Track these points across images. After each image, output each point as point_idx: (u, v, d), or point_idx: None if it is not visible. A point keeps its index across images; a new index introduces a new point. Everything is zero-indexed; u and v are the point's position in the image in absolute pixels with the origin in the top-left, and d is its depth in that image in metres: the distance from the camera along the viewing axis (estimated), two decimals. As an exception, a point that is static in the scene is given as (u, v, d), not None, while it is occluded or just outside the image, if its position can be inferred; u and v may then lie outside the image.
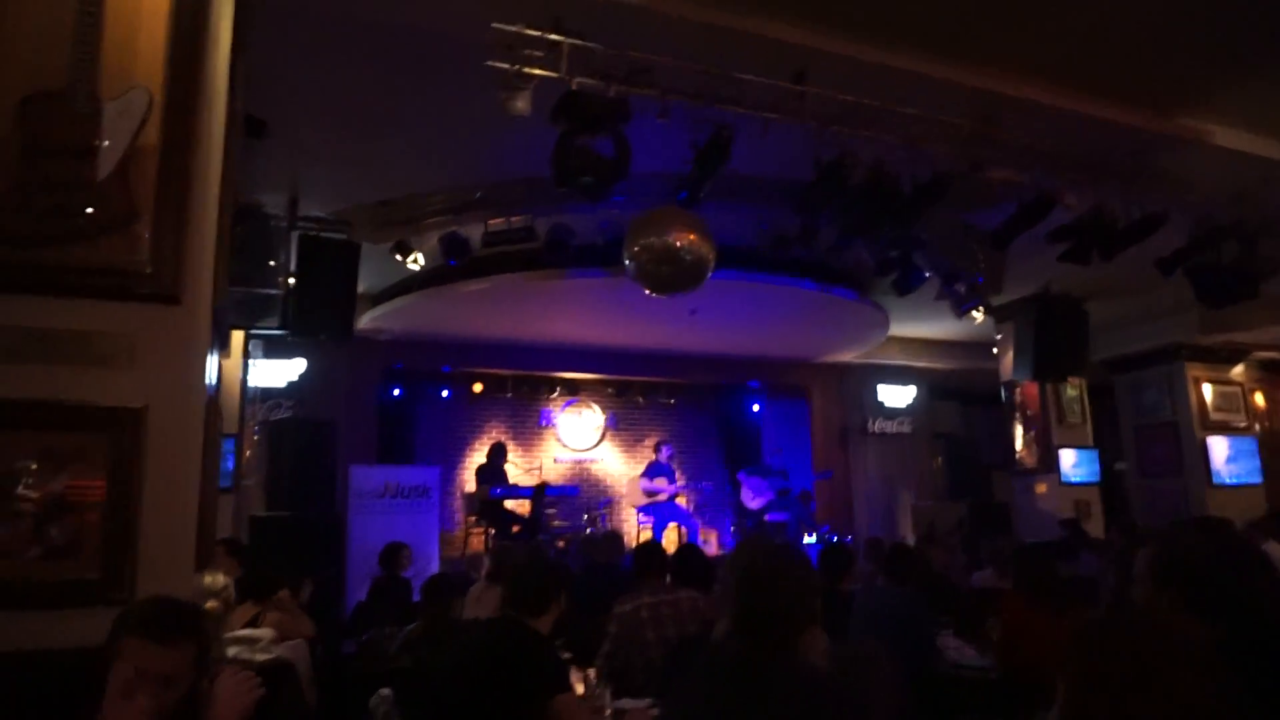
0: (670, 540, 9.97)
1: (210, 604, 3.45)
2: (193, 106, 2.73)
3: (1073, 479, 9.94)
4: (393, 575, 6.62)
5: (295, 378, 9.11)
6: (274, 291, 5.18)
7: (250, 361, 7.46)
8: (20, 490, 2.40)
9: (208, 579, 3.54)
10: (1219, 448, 10.25)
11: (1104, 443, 10.77)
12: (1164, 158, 5.74)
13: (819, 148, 4.93)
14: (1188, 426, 10.28)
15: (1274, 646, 1.72)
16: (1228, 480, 10.17)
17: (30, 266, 2.49)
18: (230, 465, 6.54)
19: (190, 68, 2.74)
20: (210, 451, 2.91)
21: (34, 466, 2.42)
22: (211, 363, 3.02)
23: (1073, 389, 10.24)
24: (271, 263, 5.01)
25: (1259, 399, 11.25)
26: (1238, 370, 10.84)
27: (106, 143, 2.58)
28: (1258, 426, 10.93)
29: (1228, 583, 1.79)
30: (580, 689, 3.28)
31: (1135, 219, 5.86)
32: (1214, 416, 10.41)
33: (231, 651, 3.49)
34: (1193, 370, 10.41)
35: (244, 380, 7.04)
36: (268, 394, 8.90)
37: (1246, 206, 6.15)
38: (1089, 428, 10.34)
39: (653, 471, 10.67)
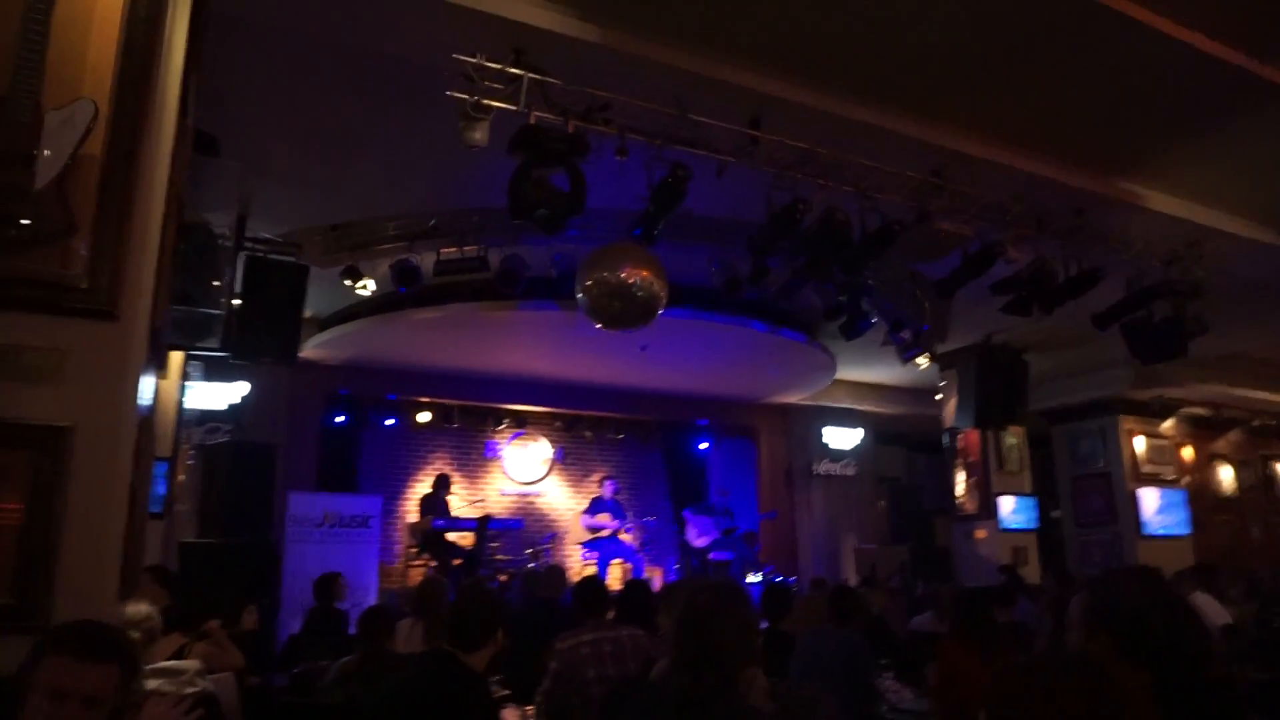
0: (615, 577, 9.89)
1: (133, 635, 3.30)
2: (140, 120, 2.68)
3: (1011, 525, 10.12)
4: (327, 607, 6.43)
5: (236, 401, 8.87)
6: (216, 312, 5.05)
7: (188, 383, 7.26)
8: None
9: (130, 608, 3.39)
10: (1149, 499, 10.54)
11: (1042, 491, 11.01)
12: (1103, 218, 5.97)
13: (772, 192, 5.02)
14: (1120, 478, 10.57)
15: (1199, 695, 1.76)
16: (1157, 531, 10.45)
17: (-43, 276, 2.40)
18: (162, 490, 6.32)
19: (140, 81, 2.69)
20: (140, 474, 2.82)
21: (-53, 485, 2.32)
22: (146, 382, 2.94)
23: (1012, 437, 10.47)
24: (215, 282, 4.88)
25: (1187, 453, 11.63)
26: (1168, 424, 11.21)
27: (46, 152, 2.51)
28: (1186, 479, 11.28)
29: (1157, 632, 1.83)
30: (515, 728, 3.21)
31: (1074, 274, 6.06)
32: (1145, 469, 10.72)
33: (153, 684, 3.33)
34: (1126, 423, 10.73)
35: (181, 402, 6.84)
36: (206, 417, 8.65)
37: (1177, 268, 6.40)
38: (1027, 476, 10.56)
39: (595, 508, 10.61)
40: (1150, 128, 5.30)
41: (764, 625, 4.70)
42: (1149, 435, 10.91)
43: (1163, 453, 11.01)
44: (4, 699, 1.77)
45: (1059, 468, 11.33)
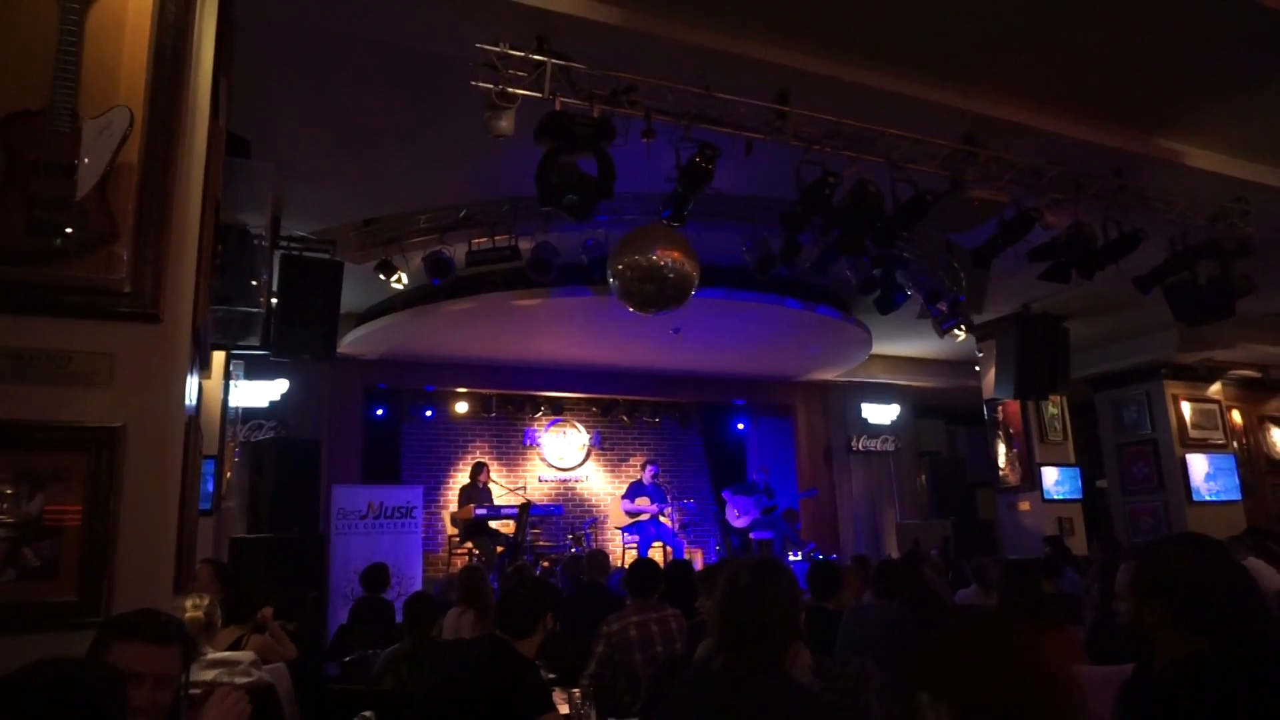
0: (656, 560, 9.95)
1: (192, 615, 3.47)
2: (174, 125, 2.72)
3: (1055, 496, 9.99)
4: (375, 596, 6.55)
5: (277, 398, 9.03)
6: (256, 311, 5.14)
7: (232, 382, 7.39)
8: (-5, 513, 2.36)
9: (189, 602, 3.50)
10: (1198, 465, 10.34)
11: (1085, 460, 10.84)
12: (1143, 178, 5.83)
13: (801, 167, 4.97)
14: (1167, 444, 10.38)
15: (1256, 661, 1.73)
16: (1207, 497, 10.26)
17: (7, 285, 2.46)
18: (210, 487, 6.45)
19: (172, 86, 2.73)
20: (190, 473, 2.88)
21: (9, 490, 2.38)
22: (192, 382, 3.00)
23: (1054, 407, 10.31)
24: (253, 282, 4.96)
25: (1237, 416, 11.37)
26: (1215, 388, 10.96)
27: (86, 161, 2.56)
28: (1236, 444, 11.03)
29: (1213, 598, 1.80)
30: (565, 709, 3.25)
31: (1114, 238, 5.93)
32: (1193, 434, 10.51)
33: (211, 675, 3.43)
34: (1172, 388, 10.52)
35: (225, 401, 6.97)
36: (250, 414, 8.82)
37: (1223, 226, 6.24)
38: (1070, 445, 10.40)
39: (633, 492, 10.66)
40: (1190, 83, 5.14)
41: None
42: (1196, 400, 10.69)
43: (1211, 417, 10.78)
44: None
45: (1103, 436, 11.15)
